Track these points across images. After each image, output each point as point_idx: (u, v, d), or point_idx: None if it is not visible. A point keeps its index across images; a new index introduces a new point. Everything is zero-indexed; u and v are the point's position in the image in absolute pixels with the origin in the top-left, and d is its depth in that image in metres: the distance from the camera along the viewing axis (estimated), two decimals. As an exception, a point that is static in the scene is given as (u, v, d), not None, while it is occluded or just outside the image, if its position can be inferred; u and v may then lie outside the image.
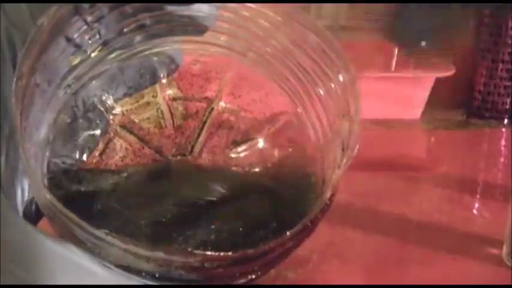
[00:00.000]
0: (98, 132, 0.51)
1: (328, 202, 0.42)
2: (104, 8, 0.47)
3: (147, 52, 0.51)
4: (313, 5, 1.01)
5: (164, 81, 0.53)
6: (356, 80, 0.46)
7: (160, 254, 0.37)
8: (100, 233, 0.37)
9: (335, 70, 0.47)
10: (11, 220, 0.40)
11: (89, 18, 0.47)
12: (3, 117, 0.48)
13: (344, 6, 0.99)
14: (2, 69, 0.51)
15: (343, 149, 0.44)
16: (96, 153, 0.51)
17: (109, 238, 0.37)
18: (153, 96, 0.53)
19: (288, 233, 0.40)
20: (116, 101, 0.52)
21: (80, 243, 0.38)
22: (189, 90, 0.54)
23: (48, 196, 0.39)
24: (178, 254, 0.38)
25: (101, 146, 0.51)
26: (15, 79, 0.41)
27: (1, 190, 0.47)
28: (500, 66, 0.89)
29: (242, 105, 0.54)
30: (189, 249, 0.40)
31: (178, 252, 0.39)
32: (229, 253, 0.38)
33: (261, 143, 0.53)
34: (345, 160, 0.43)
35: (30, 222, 0.50)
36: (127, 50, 0.50)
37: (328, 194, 0.42)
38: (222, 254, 0.38)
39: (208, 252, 0.38)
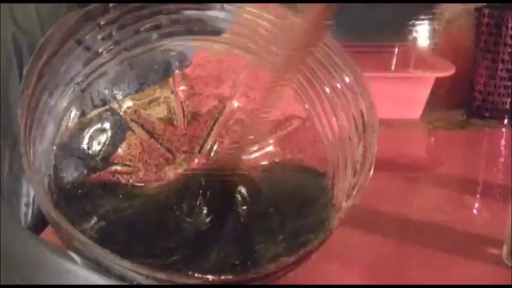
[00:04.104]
0: (107, 126, 0.51)
1: (333, 230, 0.42)
2: (117, 11, 0.47)
3: (161, 49, 0.51)
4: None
5: (177, 77, 0.53)
6: (364, 81, 0.46)
7: (161, 275, 0.37)
8: (101, 251, 0.36)
9: (341, 71, 0.47)
10: (12, 229, 0.40)
11: (102, 22, 0.47)
12: (8, 126, 0.48)
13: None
14: (10, 77, 0.51)
15: (354, 174, 0.44)
16: (106, 147, 0.51)
17: (110, 257, 0.36)
18: (165, 92, 0.53)
19: (290, 259, 0.40)
20: (127, 96, 0.51)
21: (82, 255, 0.38)
22: (202, 88, 0.53)
23: (53, 214, 0.38)
24: (178, 276, 0.38)
25: (111, 140, 0.51)
26: (21, 89, 0.41)
27: (3, 199, 0.47)
28: (500, 66, 0.89)
29: (255, 107, 0.53)
30: (190, 272, 0.40)
31: (179, 274, 0.39)
32: (230, 277, 0.38)
33: (272, 145, 0.53)
34: (356, 189, 0.42)
35: (36, 229, 0.50)
36: (140, 48, 0.50)
37: (335, 224, 0.42)
38: (222, 277, 0.38)
39: (210, 276, 0.38)
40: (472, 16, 0.93)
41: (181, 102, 0.53)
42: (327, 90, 0.49)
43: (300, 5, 0.49)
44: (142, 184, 0.51)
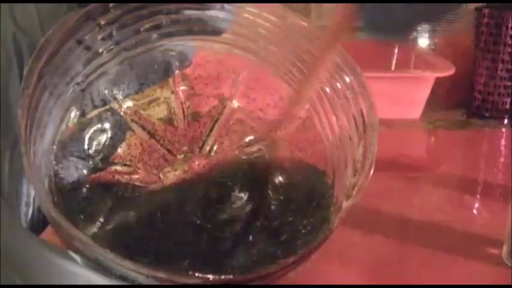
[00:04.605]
0: (107, 126, 0.51)
1: (333, 230, 0.42)
2: (117, 11, 0.47)
3: (161, 49, 0.51)
4: (313, 5, 1.01)
5: (177, 77, 0.53)
6: (364, 81, 0.46)
7: (161, 275, 0.36)
8: (101, 251, 0.36)
9: (341, 71, 0.47)
10: (12, 229, 0.40)
11: (102, 22, 0.46)
12: (9, 126, 0.48)
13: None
14: (10, 77, 0.50)
15: (354, 174, 0.44)
16: (106, 148, 0.51)
17: (111, 257, 0.36)
18: (165, 93, 0.53)
19: (290, 259, 0.40)
20: (127, 96, 0.51)
21: (82, 255, 0.38)
22: (202, 88, 0.53)
23: (54, 214, 0.38)
24: (179, 276, 0.38)
25: (111, 140, 0.51)
26: (21, 88, 0.41)
27: (3, 199, 0.47)
28: (500, 66, 0.89)
29: (255, 107, 0.53)
30: (190, 272, 0.40)
31: (179, 274, 0.39)
32: (231, 276, 0.38)
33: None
34: (356, 189, 0.42)
35: (36, 229, 0.50)
36: (140, 47, 0.50)
37: (335, 224, 0.42)
38: (223, 277, 0.38)
39: (210, 276, 0.38)
40: (472, 16, 0.93)
41: (181, 103, 0.53)
42: (327, 90, 0.49)
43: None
44: (143, 184, 0.51)
